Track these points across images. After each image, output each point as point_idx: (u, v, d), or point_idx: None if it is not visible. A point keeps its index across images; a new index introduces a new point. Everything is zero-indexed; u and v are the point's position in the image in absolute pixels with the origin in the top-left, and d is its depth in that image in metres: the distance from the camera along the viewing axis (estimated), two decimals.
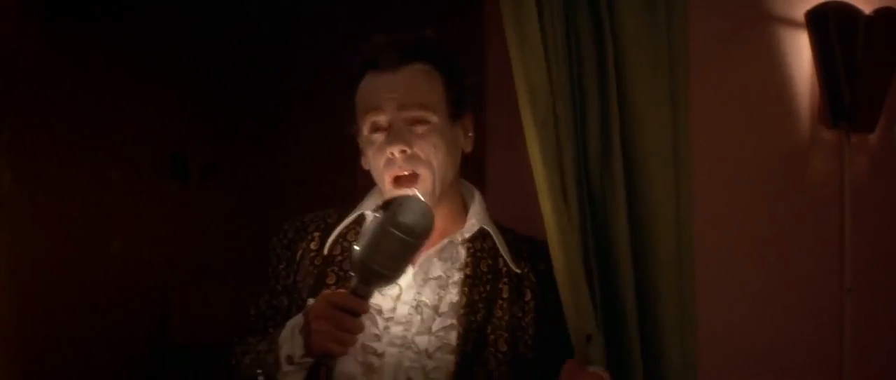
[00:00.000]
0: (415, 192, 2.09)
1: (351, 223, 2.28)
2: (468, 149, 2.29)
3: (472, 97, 2.31)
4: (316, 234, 2.29)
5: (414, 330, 2.16)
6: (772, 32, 3.06)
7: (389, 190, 2.18)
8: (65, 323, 3.32)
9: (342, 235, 2.26)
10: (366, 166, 2.26)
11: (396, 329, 2.15)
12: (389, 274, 2.00)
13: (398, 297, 2.18)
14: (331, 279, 2.20)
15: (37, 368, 3.23)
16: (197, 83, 4.33)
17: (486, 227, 2.26)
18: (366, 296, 2.02)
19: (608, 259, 2.31)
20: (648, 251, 2.33)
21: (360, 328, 2.02)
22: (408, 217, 1.98)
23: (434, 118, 2.19)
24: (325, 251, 2.25)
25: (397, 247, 1.98)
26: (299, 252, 2.27)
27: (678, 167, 2.36)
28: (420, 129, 2.17)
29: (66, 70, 3.38)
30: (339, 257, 2.23)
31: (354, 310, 2.00)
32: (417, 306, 2.17)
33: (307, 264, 2.25)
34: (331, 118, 3.56)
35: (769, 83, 3.06)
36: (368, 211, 2.27)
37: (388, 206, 2.02)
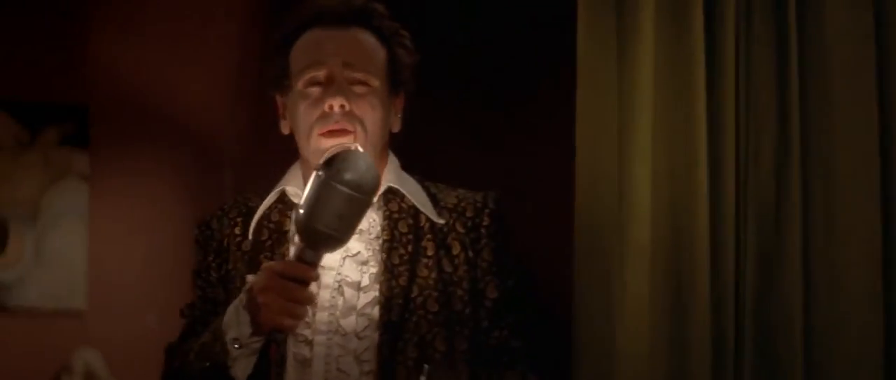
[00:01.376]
0: (355, 145, 1.97)
1: (274, 203, 2.18)
2: (396, 128, 2.21)
3: (410, 79, 2.24)
4: (238, 219, 2.20)
5: (339, 313, 2.06)
6: None
7: (317, 143, 2.09)
8: None
9: (266, 217, 2.16)
10: (285, 130, 2.19)
11: (322, 315, 2.04)
12: (338, 235, 1.88)
13: (319, 281, 2.04)
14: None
15: None
16: (441, 92, 4.42)
17: (393, 185, 2.15)
18: (314, 262, 1.90)
19: (771, 266, 2.27)
20: (830, 256, 2.26)
21: (311, 298, 1.92)
22: (354, 171, 1.86)
23: (375, 82, 2.12)
24: (250, 236, 2.15)
25: (345, 204, 1.85)
26: (225, 240, 2.18)
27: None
28: (360, 89, 2.10)
29: None
30: (269, 241, 2.14)
31: (303, 278, 1.90)
32: (339, 287, 2.07)
33: (235, 251, 2.16)
34: (566, 118, 3.55)
35: None
36: (290, 186, 2.16)
37: (330, 163, 1.89)
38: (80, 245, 4.03)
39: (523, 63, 3.97)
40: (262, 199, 2.20)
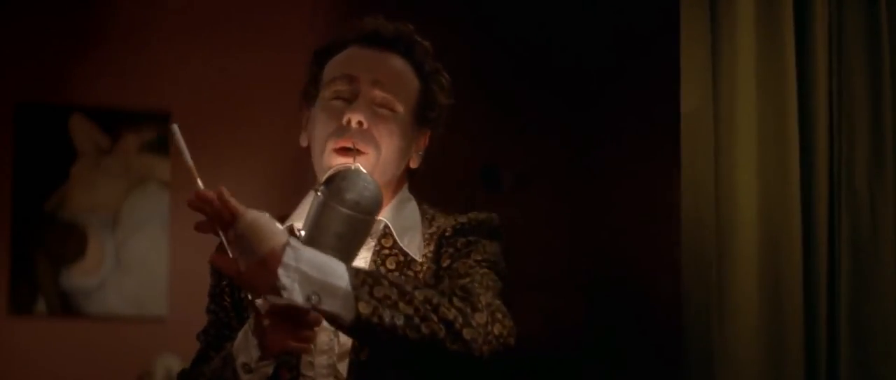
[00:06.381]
0: (356, 165, 1.95)
1: None
2: (415, 164, 2.14)
3: (440, 120, 2.20)
4: None
5: (335, 357, 2.02)
6: None
7: (328, 160, 2.03)
8: None
9: None
10: (303, 143, 2.14)
11: (321, 359, 2.01)
12: (340, 256, 1.84)
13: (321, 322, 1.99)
14: None
15: None
16: (506, 92, 4.38)
17: (386, 221, 2.08)
18: None
19: (866, 277, 2.23)
20: None
21: (318, 321, 1.87)
22: (352, 190, 1.86)
23: (400, 108, 2.08)
24: None
25: (343, 224, 1.85)
26: None
27: None
28: (383, 112, 2.06)
29: None
30: None
31: None
32: (336, 331, 1.99)
33: None
34: (646, 119, 3.46)
35: None
36: (299, 223, 2.07)
37: (329, 182, 1.88)
38: (162, 252, 4.11)
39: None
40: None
